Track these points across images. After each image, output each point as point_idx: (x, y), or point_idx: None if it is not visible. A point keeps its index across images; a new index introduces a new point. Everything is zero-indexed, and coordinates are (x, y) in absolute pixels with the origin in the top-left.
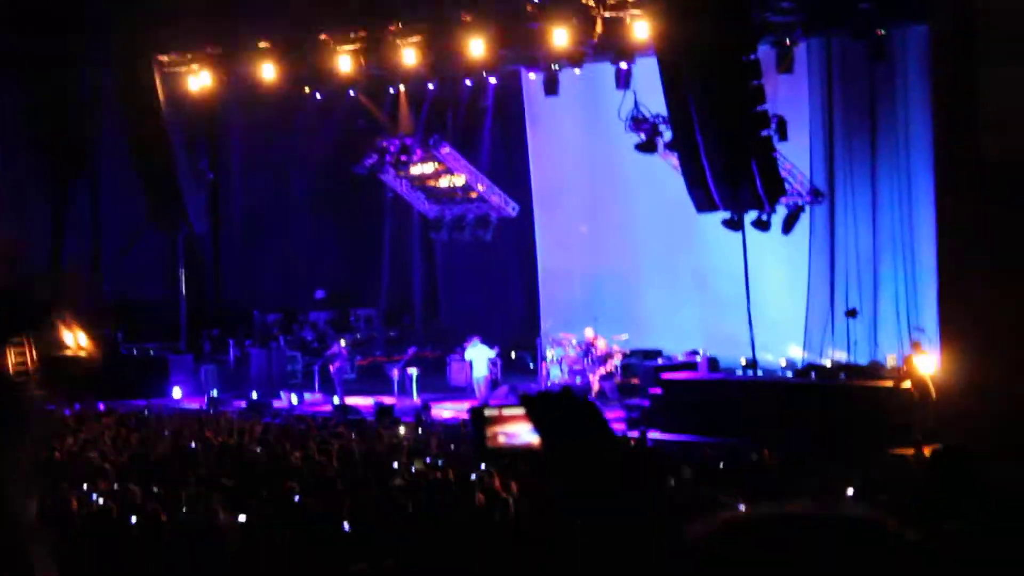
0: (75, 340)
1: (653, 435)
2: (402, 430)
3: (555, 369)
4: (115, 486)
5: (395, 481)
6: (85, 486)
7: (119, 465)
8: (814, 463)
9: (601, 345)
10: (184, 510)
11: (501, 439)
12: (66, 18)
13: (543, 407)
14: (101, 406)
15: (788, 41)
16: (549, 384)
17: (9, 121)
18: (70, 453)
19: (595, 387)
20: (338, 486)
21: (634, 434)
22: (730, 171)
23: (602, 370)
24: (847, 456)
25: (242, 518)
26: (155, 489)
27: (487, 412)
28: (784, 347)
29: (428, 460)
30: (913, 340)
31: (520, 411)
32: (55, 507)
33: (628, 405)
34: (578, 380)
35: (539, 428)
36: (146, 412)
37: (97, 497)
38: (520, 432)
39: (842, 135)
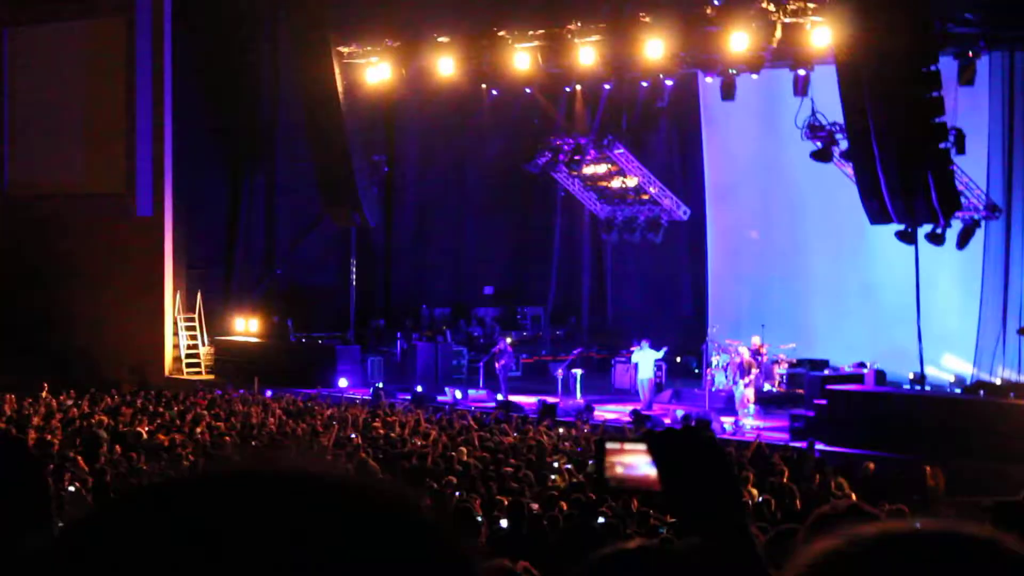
0: None
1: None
2: (562, 430)
3: (720, 375)
4: None
5: (553, 481)
6: None
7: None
8: (979, 482)
9: (744, 354)
10: None
11: (619, 470)
12: (248, 3)
13: (665, 444)
14: (268, 393)
15: (970, 53)
16: (713, 390)
17: (189, 106)
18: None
19: (748, 397)
20: (493, 484)
21: (800, 444)
22: (906, 183)
23: (746, 379)
24: (1014, 477)
25: None
26: None
27: (608, 444)
28: (954, 363)
29: (591, 462)
30: None
31: (641, 446)
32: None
33: (792, 415)
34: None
35: (659, 465)
36: (313, 403)
37: None
38: (639, 464)
39: (1022, 150)
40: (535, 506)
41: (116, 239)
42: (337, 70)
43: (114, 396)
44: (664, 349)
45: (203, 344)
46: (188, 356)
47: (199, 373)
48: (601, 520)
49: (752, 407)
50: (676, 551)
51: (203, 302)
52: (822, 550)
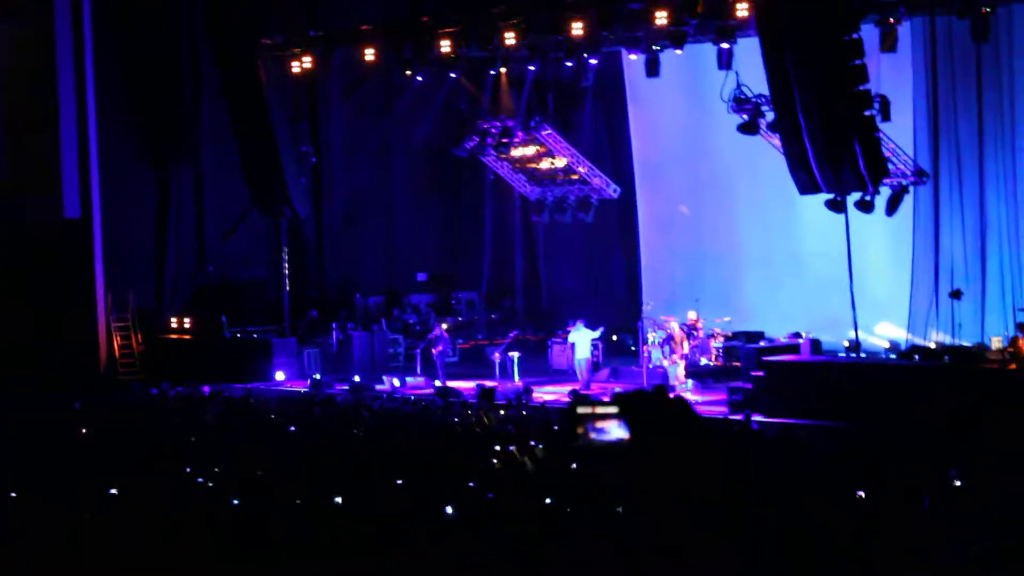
0: None
1: (756, 418)
2: (502, 413)
3: (656, 352)
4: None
5: (495, 464)
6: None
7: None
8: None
9: (675, 329)
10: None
11: (592, 435)
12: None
13: (636, 405)
14: (206, 389)
15: (891, 19)
16: (650, 367)
17: (113, 106)
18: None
19: (680, 373)
20: (439, 469)
21: (738, 417)
22: (833, 152)
23: (677, 355)
24: (951, 440)
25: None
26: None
27: (580, 410)
28: (887, 329)
29: (534, 444)
30: (1019, 321)
31: (613, 409)
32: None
33: (731, 388)
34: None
35: (632, 426)
36: (251, 398)
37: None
38: (610, 428)
39: (947, 114)
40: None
41: (45, 241)
42: (260, 62)
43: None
44: (600, 329)
45: (137, 343)
46: (122, 356)
47: (134, 373)
48: (548, 501)
49: (689, 383)
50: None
51: (135, 301)
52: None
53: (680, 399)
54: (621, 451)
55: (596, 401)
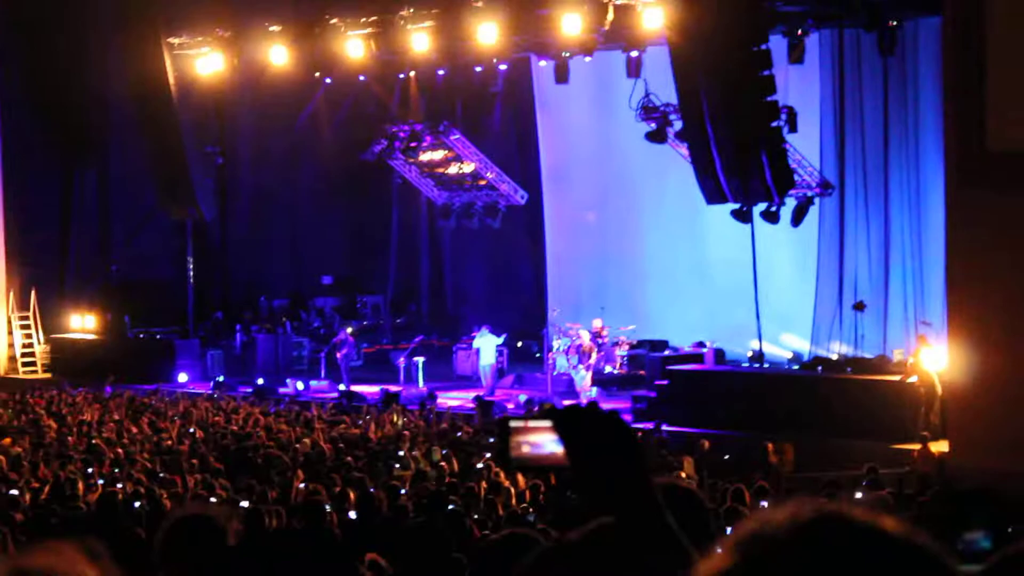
0: None
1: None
2: (404, 420)
3: (561, 359)
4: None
5: (399, 471)
6: (91, 469)
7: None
8: (820, 457)
9: (584, 338)
10: (187, 496)
11: (525, 448)
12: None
13: (570, 420)
14: (108, 389)
15: (799, 31)
16: (555, 374)
17: (17, 103)
18: (77, 435)
19: (587, 381)
20: (343, 475)
21: (647, 426)
22: (740, 162)
23: (586, 363)
24: (853, 451)
25: (244, 504)
26: (160, 474)
27: (512, 423)
28: (791, 340)
29: (437, 448)
30: (920, 334)
31: (546, 423)
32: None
33: (635, 396)
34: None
35: (566, 441)
36: (154, 399)
37: (104, 481)
38: (544, 443)
39: (853, 127)
40: (382, 496)
41: None
42: (168, 61)
43: None
44: (504, 335)
45: (39, 342)
46: (24, 355)
47: (35, 372)
48: (450, 507)
49: (594, 390)
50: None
51: (37, 299)
52: (743, 532)
53: (614, 414)
54: (556, 465)
55: (527, 415)
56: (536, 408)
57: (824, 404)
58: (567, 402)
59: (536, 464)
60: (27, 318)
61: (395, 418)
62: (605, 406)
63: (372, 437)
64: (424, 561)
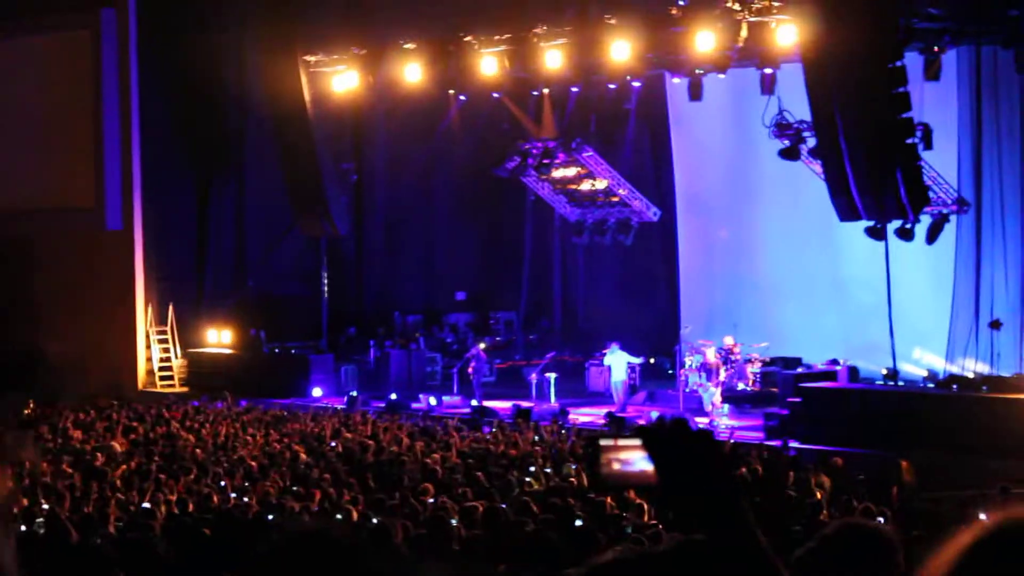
0: None
1: (792, 444)
2: (537, 437)
3: (693, 376)
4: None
5: (529, 485)
6: (223, 483)
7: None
8: (953, 476)
9: (711, 355)
10: (317, 509)
11: (616, 466)
12: (213, 15)
13: (659, 437)
14: (243, 403)
15: (936, 48)
16: (687, 391)
17: (157, 118)
18: (212, 448)
19: (716, 398)
20: (472, 489)
21: (775, 443)
22: (874, 179)
23: (714, 380)
24: (988, 470)
25: (375, 520)
26: (294, 488)
27: (602, 441)
28: (926, 358)
29: (571, 465)
30: None
31: (636, 441)
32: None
33: (767, 414)
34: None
35: (655, 458)
36: (287, 412)
37: (237, 495)
38: (635, 460)
39: (990, 144)
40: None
41: (86, 253)
42: (304, 79)
43: (89, 412)
44: (641, 358)
45: (176, 356)
46: (161, 369)
47: (172, 386)
48: (578, 523)
49: (725, 407)
50: (663, 554)
51: (175, 314)
52: (964, 544)
53: (703, 431)
54: (647, 484)
55: (617, 433)
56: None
57: (959, 422)
58: (655, 416)
59: (626, 482)
60: (164, 332)
61: (527, 434)
62: (707, 428)
63: (503, 452)
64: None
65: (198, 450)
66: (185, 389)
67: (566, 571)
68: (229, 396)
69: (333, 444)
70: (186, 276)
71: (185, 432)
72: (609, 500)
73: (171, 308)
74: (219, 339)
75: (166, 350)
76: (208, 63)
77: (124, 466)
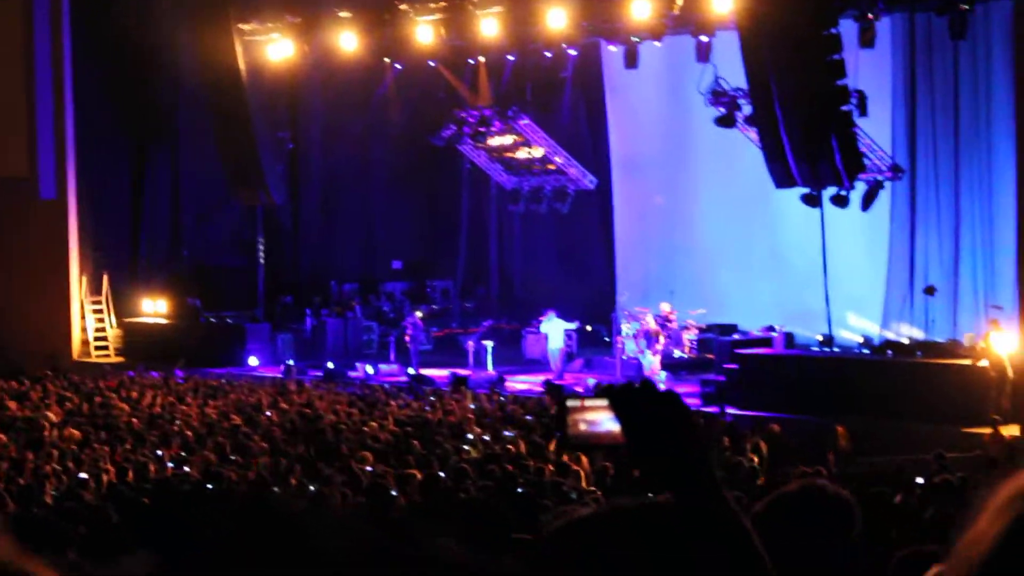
0: None
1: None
2: (473, 406)
3: (630, 343)
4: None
5: (468, 453)
6: (161, 451)
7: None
8: (889, 441)
9: (650, 322)
10: (255, 478)
11: (583, 427)
12: None
13: (625, 398)
14: (179, 373)
15: (870, 15)
16: (624, 358)
17: (90, 87)
18: (149, 418)
19: (655, 365)
20: (411, 457)
21: (712, 409)
22: (809, 146)
23: (654, 348)
24: (922, 435)
25: (312, 487)
26: (232, 457)
27: (569, 402)
28: (861, 324)
29: (504, 433)
30: (991, 318)
31: (602, 402)
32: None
33: (704, 380)
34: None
35: (621, 419)
36: (224, 382)
37: (174, 464)
38: (602, 420)
39: (924, 111)
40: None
41: (20, 223)
42: (239, 48)
43: (23, 382)
44: (576, 323)
45: (111, 327)
46: (96, 339)
47: (108, 356)
48: (518, 490)
49: (663, 374)
50: (646, 510)
51: (110, 284)
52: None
53: (670, 392)
54: (614, 443)
55: (584, 394)
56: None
57: (894, 388)
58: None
59: (594, 442)
60: (99, 303)
61: (464, 401)
62: (673, 389)
63: (441, 420)
64: (489, 541)
65: (134, 419)
66: (121, 359)
67: (548, 525)
68: (180, 362)
69: (268, 413)
70: (121, 246)
71: (120, 402)
72: (549, 468)
73: (106, 278)
74: (155, 309)
75: (101, 320)
76: (142, 31)
77: (59, 436)
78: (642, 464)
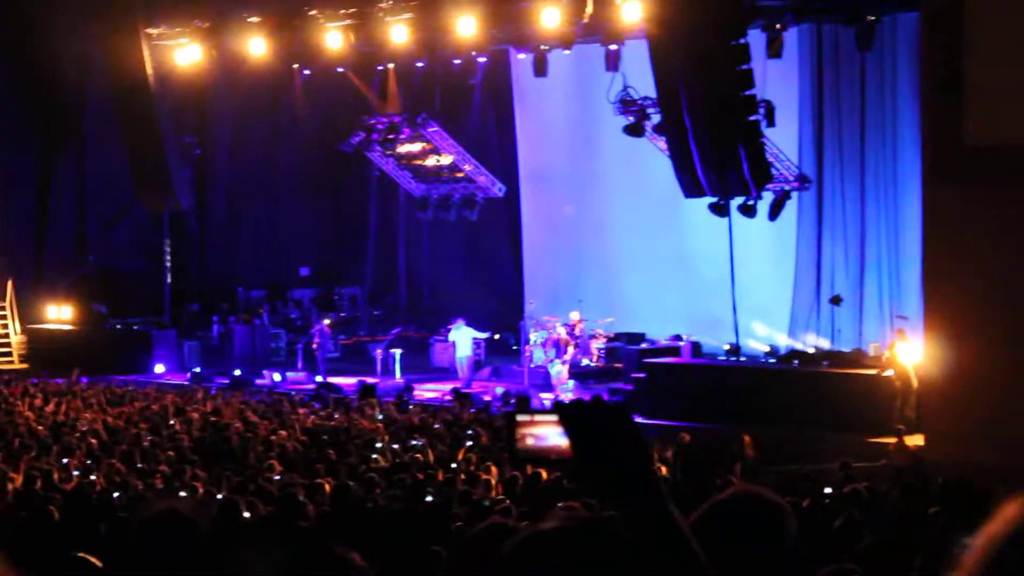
0: None
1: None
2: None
3: (539, 352)
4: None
5: (377, 461)
6: (66, 460)
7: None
8: (795, 450)
9: (560, 331)
10: (162, 486)
11: (530, 441)
12: None
13: (575, 414)
14: (84, 380)
15: (778, 26)
16: (532, 367)
17: None
18: (53, 426)
19: (564, 374)
20: (320, 466)
21: None
22: (717, 156)
23: (563, 357)
24: (828, 444)
25: (220, 496)
26: (138, 465)
27: (519, 416)
28: (768, 333)
29: (412, 442)
30: (897, 328)
31: (552, 417)
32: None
33: (612, 389)
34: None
35: (570, 434)
36: (130, 389)
37: (80, 473)
38: (549, 435)
39: (831, 121)
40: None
41: None
42: (147, 52)
43: None
44: (487, 333)
45: (15, 333)
46: (0, 345)
47: (11, 362)
48: (428, 499)
49: (571, 383)
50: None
51: (14, 289)
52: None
53: (620, 408)
54: (561, 457)
55: (535, 409)
56: (512, 401)
57: (800, 397)
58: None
59: (540, 456)
60: (3, 308)
61: (372, 410)
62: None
63: (349, 429)
64: (401, 552)
65: (39, 427)
66: (25, 366)
67: (519, 530)
68: (75, 372)
69: (172, 422)
70: (25, 250)
71: (24, 409)
72: (463, 476)
73: (10, 283)
74: (59, 315)
75: (4, 326)
76: (49, 33)
77: None
78: (589, 477)
